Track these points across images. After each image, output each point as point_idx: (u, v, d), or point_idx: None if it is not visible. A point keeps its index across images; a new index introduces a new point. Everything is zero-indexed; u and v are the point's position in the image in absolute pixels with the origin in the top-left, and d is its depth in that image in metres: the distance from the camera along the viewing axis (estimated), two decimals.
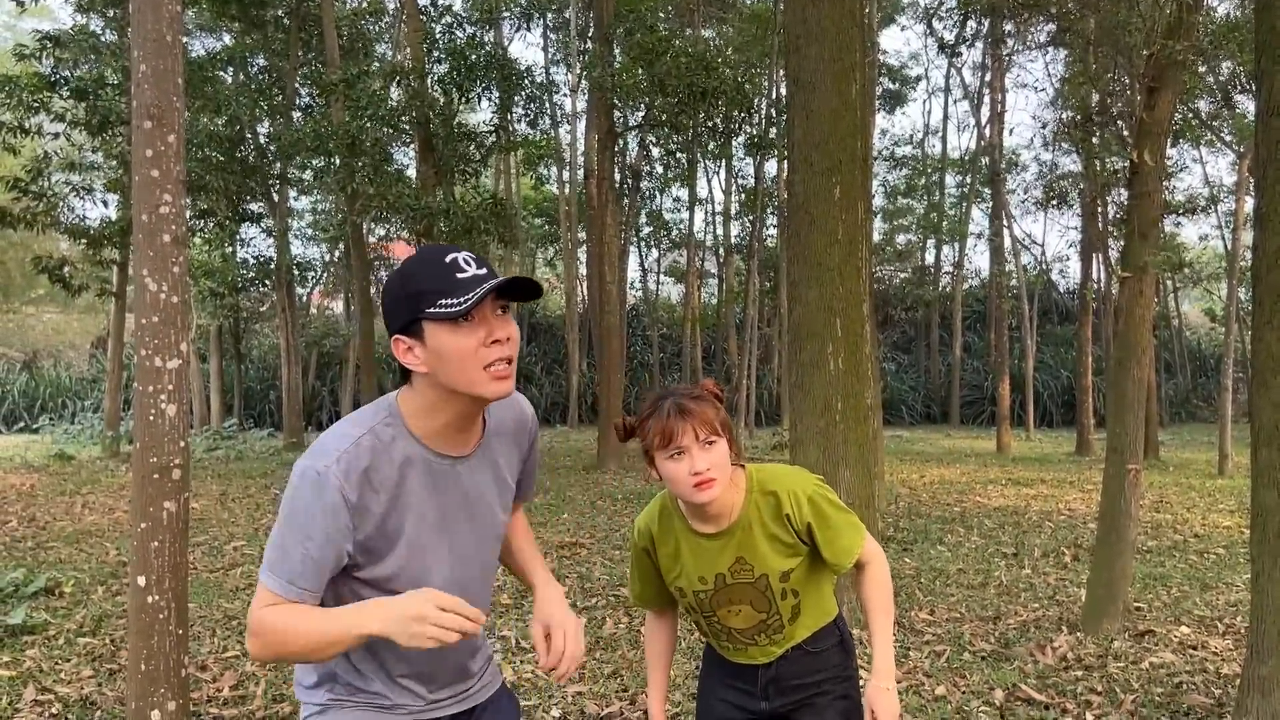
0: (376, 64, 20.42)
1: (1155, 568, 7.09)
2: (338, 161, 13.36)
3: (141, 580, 3.18)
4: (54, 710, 4.04)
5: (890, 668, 2.07)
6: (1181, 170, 25.39)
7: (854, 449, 5.20)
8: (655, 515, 2.16)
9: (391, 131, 14.29)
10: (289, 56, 18.03)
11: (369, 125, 13.12)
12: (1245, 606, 5.59)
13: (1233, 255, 16.75)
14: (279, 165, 17.20)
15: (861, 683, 2.15)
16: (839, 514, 2.07)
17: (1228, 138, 17.85)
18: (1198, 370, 30.65)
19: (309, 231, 27.10)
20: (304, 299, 26.73)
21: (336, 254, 25.87)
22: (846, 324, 5.18)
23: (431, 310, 1.52)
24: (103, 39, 15.86)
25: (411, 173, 17.90)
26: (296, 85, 18.06)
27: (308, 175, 18.58)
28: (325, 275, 26.90)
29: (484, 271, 1.56)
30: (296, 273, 19.82)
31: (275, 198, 18.22)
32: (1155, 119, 5.69)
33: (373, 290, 19.49)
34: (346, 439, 1.58)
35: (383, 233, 18.93)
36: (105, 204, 15.86)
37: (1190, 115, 17.24)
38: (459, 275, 1.54)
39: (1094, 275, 19.46)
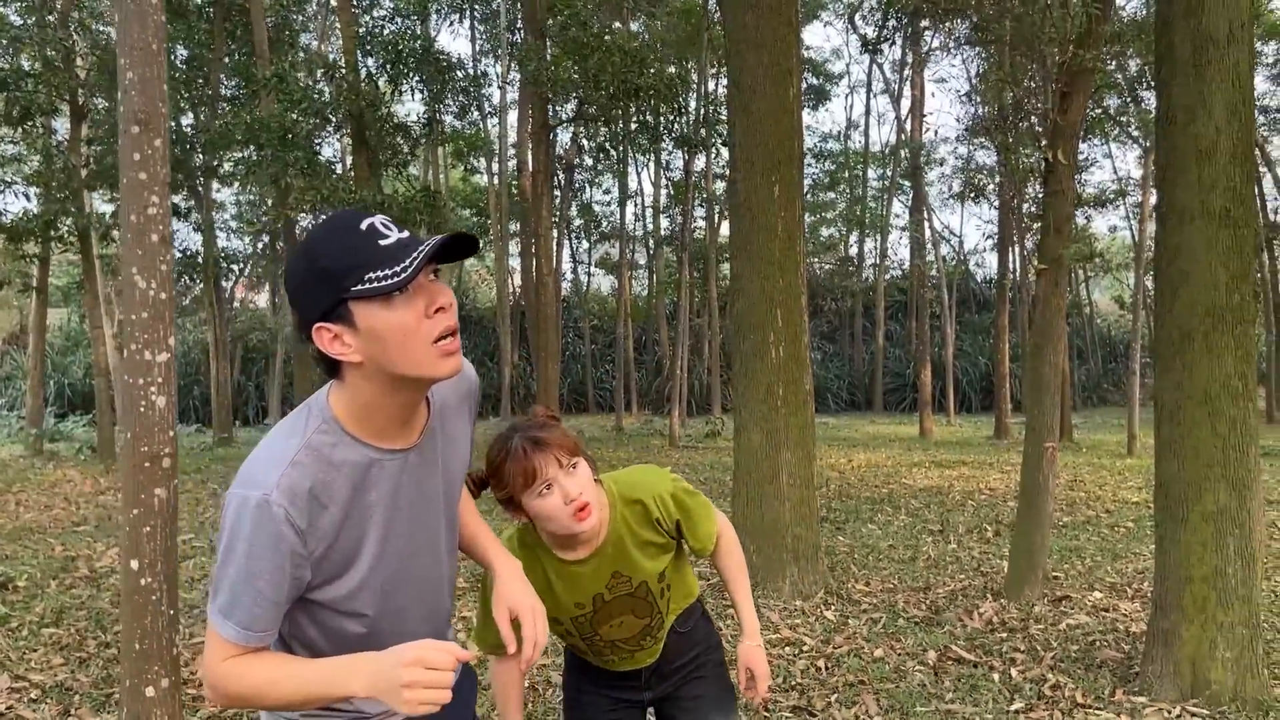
0: (301, 54, 20.23)
1: (1070, 540, 7.59)
2: (269, 155, 13.29)
3: (135, 564, 3.33)
4: (32, 695, 4.15)
5: (756, 626, 2.16)
6: (1092, 165, 26.45)
7: (795, 432, 5.53)
8: (519, 547, 2.01)
9: (323, 124, 14.25)
10: (213, 47, 17.78)
11: (301, 119, 13.09)
12: (1151, 573, 6.08)
13: (1139, 246, 17.62)
14: (203, 157, 16.98)
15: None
16: (695, 501, 2.08)
17: (1135, 133, 18.72)
18: (1108, 356, 31.96)
19: (233, 224, 26.68)
20: (228, 292, 26.32)
21: (260, 246, 25.53)
22: (787, 315, 5.50)
23: (359, 288, 1.30)
24: (23, 28, 15.48)
25: (340, 166, 17.87)
26: (221, 76, 17.82)
27: (229, 167, 18.35)
28: (250, 268, 26.51)
29: (406, 234, 1.35)
30: (224, 265, 19.56)
31: (200, 190, 17.97)
32: (1068, 121, 6.11)
33: None
34: (281, 458, 1.37)
35: (307, 224, 18.82)
36: (28, 197, 15.48)
37: (1100, 111, 18.08)
38: (382, 243, 1.32)
39: (1010, 266, 20.23)
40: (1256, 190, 24.19)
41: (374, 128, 14.00)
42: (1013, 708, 4.00)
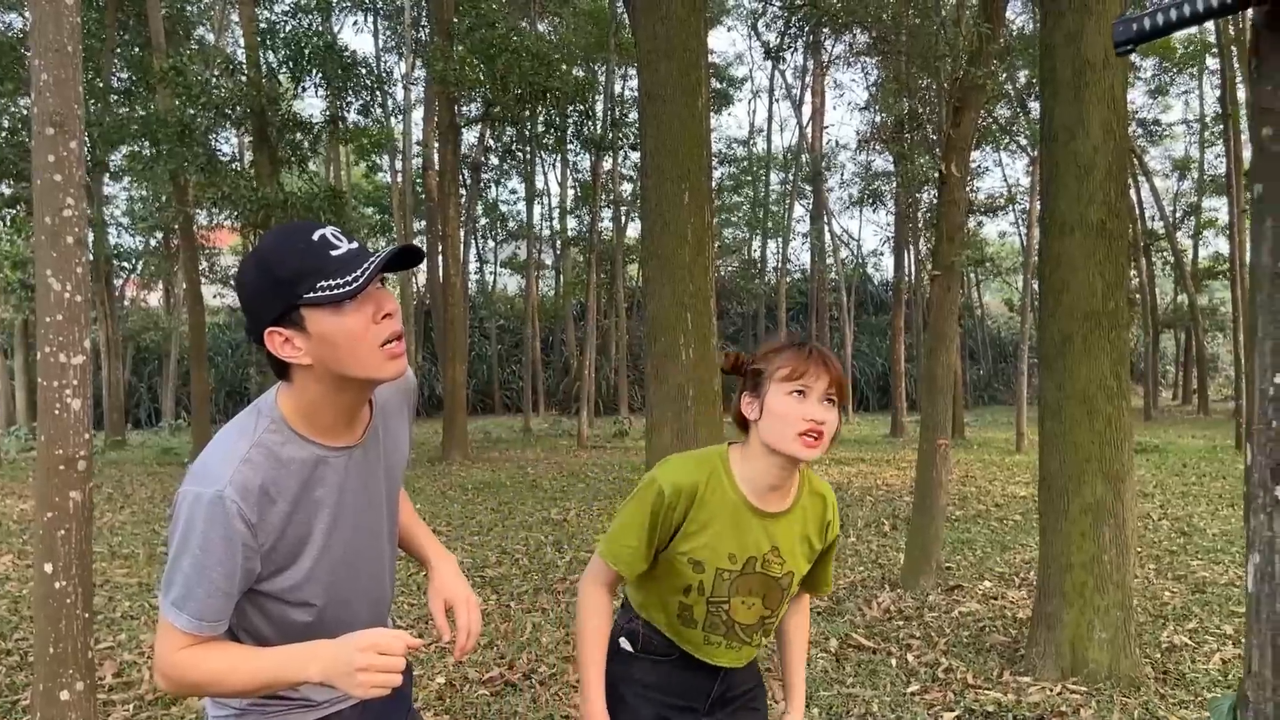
0: (197, 47, 19.69)
1: (962, 533, 7.97)
2: (166, 150, 12.95)
3: (48, 567, 3.30)
4: None
5: (803, 703, 2.14)
6: (984, 172, 27.51)
7: (704, 432, 5.70)
8: (703, 474, 1.88)
9: (223, 120, 13.94)
10: (103, 37, 17.18)
11: (200, 114, 12.80)
12: (1037, 563, 6.46)
13: (1027, 251, 18.43)
14: (96, 152, 16.40)
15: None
16: (836, 543, 2.04)
17: (1023, 142, 19.55)
18: (998, 356, 33.26)
19: (124, 220, 25.75)
20: (119, 291, 25.42)
21: (153, 244, 24.72)
22: (696, 318, 5.68)
23: (311, 295, 1.38)
24: None
25: (239, 163, 17.45)
26: (113, 68, 17.23)
27: (118, 161, 17.76)
28: (142, 266, 25.65)
29: (356, 245, 1.43)
30: (115, 263, 18.92)
31: (90, 185, 17.34)
32: (960, 134, 6.45)
33: (203, 281, 18.84)
34: (234, 456, 1.43)
35: (205, 220, 18.36)
36: None
37: (991, 121, 18.83)
38: (333, 253, 1.40)
39: (906, 270, 20.93)
40: (1136, 198, 25.56)
41: (275, 124, 13.77)
42: (909, 690, 4.24)
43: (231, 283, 25.99)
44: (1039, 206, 16.39)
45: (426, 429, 21.01)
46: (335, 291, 1.37)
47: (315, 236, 1.41)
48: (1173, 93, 29.26)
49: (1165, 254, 27.99)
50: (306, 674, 1.42)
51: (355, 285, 1.37)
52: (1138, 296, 28.56)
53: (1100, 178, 4.36)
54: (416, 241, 27.78)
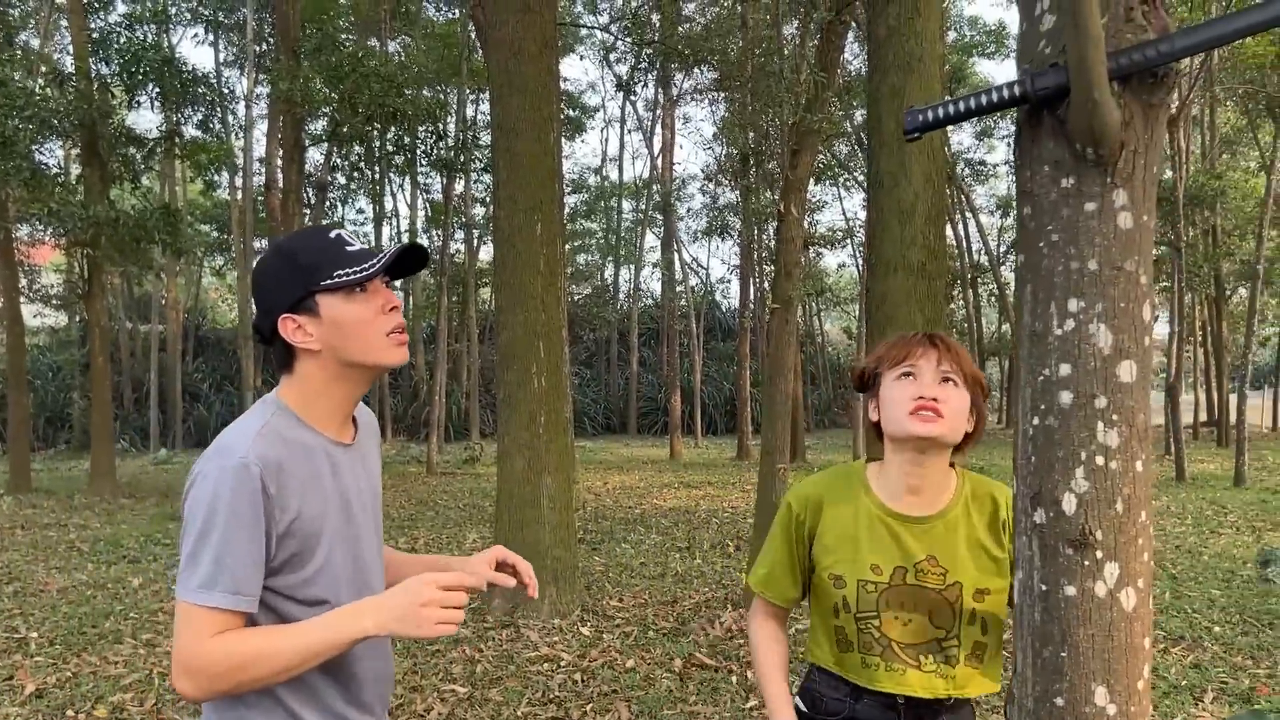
0: (19, 53, 18.56)
1: None
2: None
3: None
4: None
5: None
6: (823, 206, 28.71)
7: (555, 457, 5.82)
8: (831, 481, 1.84)
9: (48, 132, 13.21)
10: None
11: (23, 125, 12.10)
12: None
13: (864, 281, 19.37)
14: None
15: None
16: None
17: (860, 177, 20.56)
18: (838, 381, 34.58)
19: None
20: None
21: None
22: (548, 346, 5.80)
23: (328, 281, 1.49)
24: None
25: (64, 176, 16.51)
26: None
27: None
28: None
29: (368, 246, 1.60)
30: None
31: None
32: (797, 176, 6.82)
33: (21, 299, 17.66)
34: (249, 432, 1.47)
35: (25, 234, 17.29)
36: None
37: (830, 158, 19.75)
38: (348, 249, 1.53)
39: (751, 298, 21.62)
40: (963, 234, 27.21)
41: (107, 139, 13.16)
42: (748, 706, 4.44)
43: (55, 301, 24.51)
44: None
45: None
46: (351, 276, 1.50)
47: (332, 235, 1.55)
48: (996, 135, 31.36)
49: (990, 286, 29.84)
50: (361, 628, 1.40)
51: (370, 270, 1.51)
52: (965, 326, 30.36)
53: (921, 223, 4.72)
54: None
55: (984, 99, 1.38)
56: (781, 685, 1.85)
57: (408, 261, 1.57)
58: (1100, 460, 1.27)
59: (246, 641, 1.39)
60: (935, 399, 1.68)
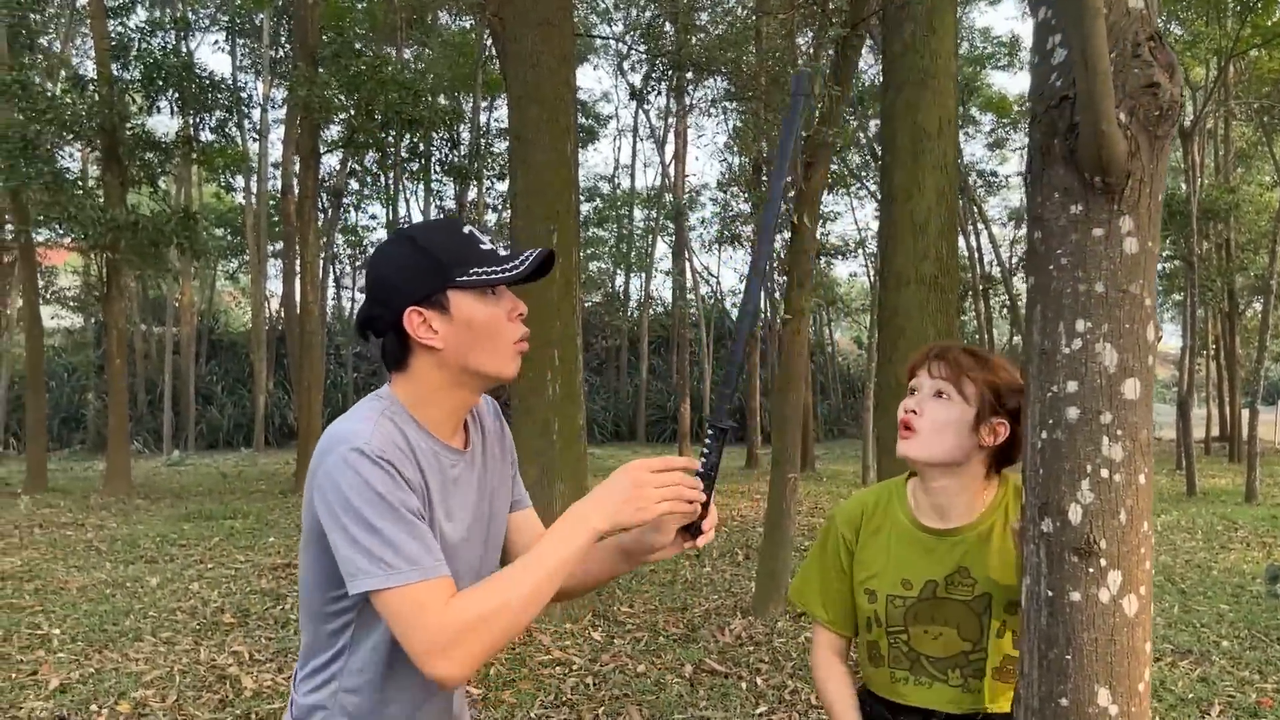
0: (41, 58, 18.76)
1: None
2: (6, 165, 12.32)
3: None
4: None
5: None
6: (836, 217, 28.79)
7: (568, 465, 5.89)
8: (873, 497, 1.87)
9: (69, 136, 13.37)
10: None
11: (45, 130, 12.25)
12: None
13: (876, 292, 19.41)
14: None
15: None
16: None
17: (872, 188, 20.59)
18: (847, 391, 34.58)
19: None
20: None
21: None
22: (563, 354, 5.87)
23: (465, 279, 1.39)
24: None
25: (84, 181, 16.71)
26: None
27: None
28: None
29: (500, 245, 1.45)
30: None
31: None
32: (811, 188, 6.88)
33: (40, 302, 17.82)
34: (369, 420, 1.38)
35: (42, 239, 17.46)
36: None
37: (843, 168, 19.80)
38: (482, 248, 1.43)
39: (762, 307, 21.69)
40: (975, 245, 27.22)
41: (126, 143, 13.31)
42: (758, 711, 4.50)
43: (72, 303, 24.70)
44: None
45: (278, 460, 20.41)
46: (493, 276, 1.40)
47: (465, 230, 1.45)
48: (1009, 146, 31.39)
49: (1002, 298, 29.84)
50: (592, 527, 1.33)
51: (515, 272, 1.41)
52: (976, 337, 30.34)
53: (933, 236, 4.79)
54: (270, 266, 27.06)
55: None
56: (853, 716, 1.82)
57: (542, 268, 1.46)
58: (1105, 473, 1.34)
59: (487, 587, 1.31)
60: (909, 412, 1.67)
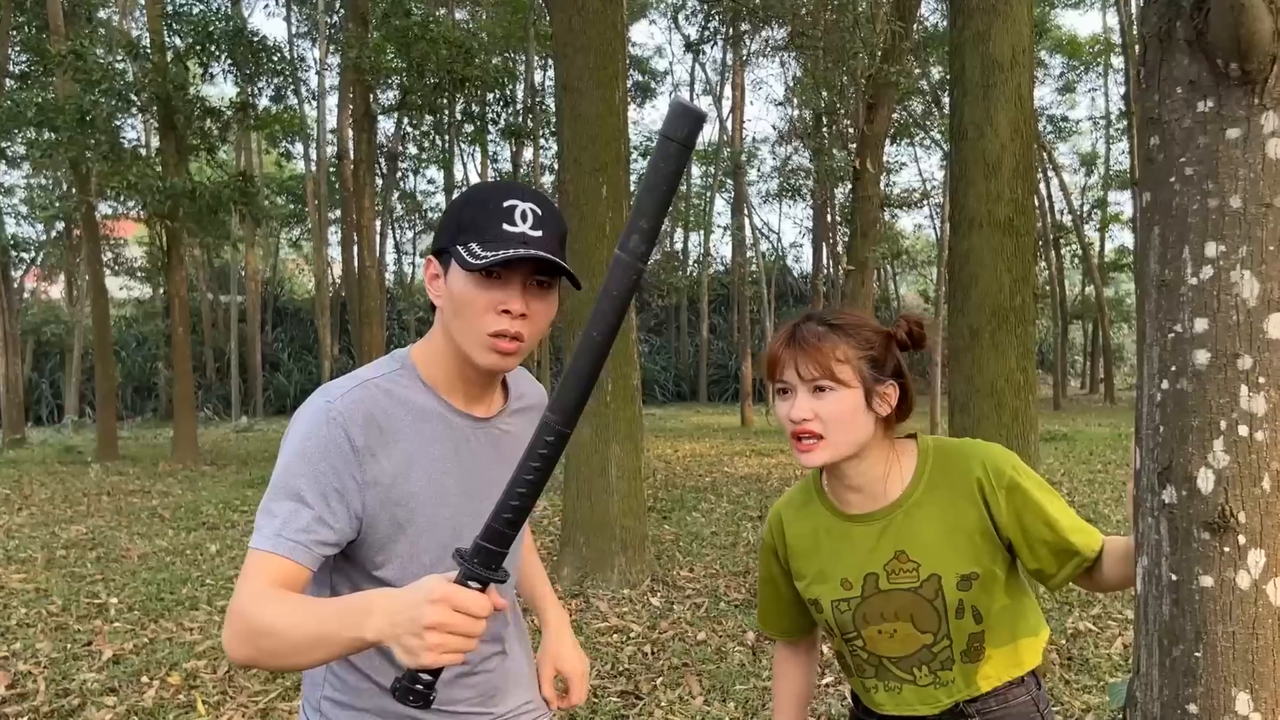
0: (100, 30, 18.97)
1: None
2: (66, 137, 12.44)
3: None
4: None
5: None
6: (900, 168, 28.05)
7: (623, 425, 5.70)
8: (793, 497, 1.69)
9: (126, 107, 13.45)
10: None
11: (102, 100, 12.32)
12: None
13: (941, 245, 18.84)
14: None
15: None
16: (1049, 496, 1.53)
17: (937, 137, 19.94)
18: None
19: (23, 209, 24.72)
20: (18, 282, 24.42)
21: (55, 233, 23.78)
22: None
23: (457, 248, 1.33)
24: None
25: (145, 150, 16.88)
26: (9, 52, 16.51)
27: (19, 149, 17.07)
28: (42, 257, 24.67)
29: (538, 234, 1.34)
30: (13, 254, 18.17)
31: None
32: (873, 131, 6.56)
33: (107, 273, 18.19)
34: (352, 380, 1.38)
35: (109, 210, 17.75)
36: None
37: (906, 117, 19.18)
38: (505, 225, 1.33)
39: (824, 262, 21.24)
40: (1046, 193, 26.34)
41: (183, 111, 13.34)
42: (824, 682, 4.29)
43: (139, 274, 25.20)
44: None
45: None
46: (466, 258, 1.31)
47: (506, 203, 1.35)
48: (1080, 89, 30.23)
49: (1074, 247, 28.90)
50: (361, 631, 1.11)
51: (481, 262, 1.29)
52: (1048, 289, 29.47)
53: (1007, 175, 4.46)
54: (331, 232, 27.24)
55: None
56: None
57: (557, 271, 1.35)
58: (1243, 430, 1.08)
59: (278, 604, 1.20)
60: (804, 421, 1.47)
